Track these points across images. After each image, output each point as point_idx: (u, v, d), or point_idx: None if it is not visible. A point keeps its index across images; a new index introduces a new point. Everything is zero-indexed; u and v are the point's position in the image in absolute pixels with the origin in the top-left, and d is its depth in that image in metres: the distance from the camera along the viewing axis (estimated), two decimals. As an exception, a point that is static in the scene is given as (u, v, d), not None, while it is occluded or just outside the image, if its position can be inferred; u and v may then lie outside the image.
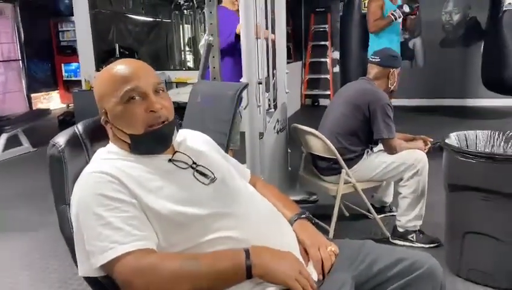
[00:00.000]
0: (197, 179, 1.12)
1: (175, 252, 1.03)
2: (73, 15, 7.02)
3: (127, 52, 7.39)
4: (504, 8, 5.22)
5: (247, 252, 0.98)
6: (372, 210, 2.59)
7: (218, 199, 1.10)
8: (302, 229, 1.20)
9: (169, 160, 1.13)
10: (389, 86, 2.55)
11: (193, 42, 8.57)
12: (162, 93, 1.10)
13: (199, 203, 1.07)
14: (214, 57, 2.45)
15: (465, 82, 7.06)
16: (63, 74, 8.51)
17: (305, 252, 1.16)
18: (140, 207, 1.02)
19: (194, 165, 1.15)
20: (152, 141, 1.10)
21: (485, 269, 2.03)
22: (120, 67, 1.09)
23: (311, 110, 7.48)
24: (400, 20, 4.33)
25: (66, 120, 6.53)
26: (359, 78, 2.66)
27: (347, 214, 2.92)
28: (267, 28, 2.46)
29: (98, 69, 6.46)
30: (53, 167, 1.15)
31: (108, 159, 1.10)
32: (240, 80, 2.16)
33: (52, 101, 8.55)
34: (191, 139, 1.25)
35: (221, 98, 1.83)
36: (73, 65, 8.29)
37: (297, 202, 2.56)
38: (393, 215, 2.82)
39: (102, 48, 6.76)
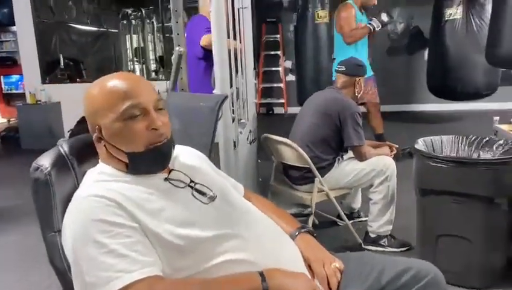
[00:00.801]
0: (197, 199, 1.07)
1: (184, 278, 0.97)
2: (13, 25, 6.64)
3: (71, 63, 7.10)
4: (446, 19, 5.52)
5: (262, 275, 0.94)
6: (344, 217, 2.62)
7: (220, 219, 1.05)
8: (305, 245, 1.17)
9: (165, 179, 1.07)
10: (356, 94, 2.60)
11: (142, 52, 8.40)
12: (162, 110, 1.05)
13: (202, 224, 1.01)
14: (181, 68, 2.39)
15: (411, 88, 7.40)
16: (3, 86, 8.00)
17: (309, 268, 1.13)
18: (142, 231, 0.95)
19: (191, 184, 1.09)
20: (152, 159, 1.03)
21: (458, 270, 2.09)
22: (119, 81, 1.02)
23: (266, 119, 7.52)
24: (378, 30, 3.96)
25: (9, 136, 6.15)
26: (326, 87, 2.69)
27: (317, 222, 2.93)
28: (234, 38, 2.43)
29: (43, 82, 6.15)
30: (39, 191, 1.05)
31: (102, 181, 1.02)
32: (213, 92, 2.12)
33: (-9, 116, 8.01)
34: (183, 156, 1.19)
35: (199, 110, 1.77)
36: (14, 77, 7.81)
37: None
38: (362, 221, 2.87)
39: (45, 59, 6.43)
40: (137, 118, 1.00)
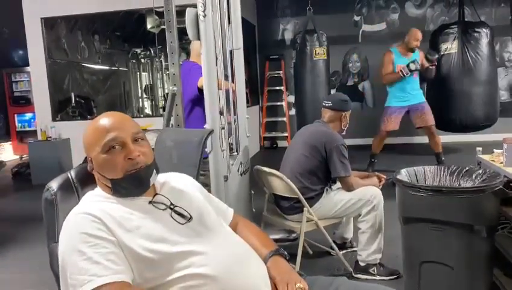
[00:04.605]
0: (174, 219, 1.21)
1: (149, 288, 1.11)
2: (27, 65, 6.98)
3: (83, 101, 7.39)
4: (441, 53, 5.69)
5: None
6: (335, 247, 2.70)
7: (192, 237, 1.19)
8: (274, 266, 1.27)
9: (150, 202, 1.22)
10: (342, 127, 2.73)
11: (151, 89, 8.68)
12: (141, 141, 1.21)
13: (172, 241, 1.15)
14: (177, 105, 2.56)
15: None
16: (16, 124, 8.32)
17: (275, 287, 1.23)
18: (118, 245, 1.10)
19: (171, 206, 1.23)
20: (130, 184, 1.19)
21: (441, 296, 2.15)
22: (103, 119, 1.21)
23: (270, 152, 7.68)
24: (408, 76, 4.80)
25: (20, 172, 6.36)
26: (315, 121, 2.83)
27: (311, 252, 3.00)
28: (227, 79, 2.61)
29: (54, 119, 6.40)
30: (46, 209, 1.27)
31: (95, 202, 1.19)
32: (204, 127, 2.27)
33: (4, 153, 8.29)
34: (174, 181, 1.35)
35: (187, 144, 1.92)
36: (27, 115, 8.15)
37: (276, 240, 2.65)
38: (354, 250, 2.94)
39: (57, 97, 6.73)
40: (116, 150, 1.18)
